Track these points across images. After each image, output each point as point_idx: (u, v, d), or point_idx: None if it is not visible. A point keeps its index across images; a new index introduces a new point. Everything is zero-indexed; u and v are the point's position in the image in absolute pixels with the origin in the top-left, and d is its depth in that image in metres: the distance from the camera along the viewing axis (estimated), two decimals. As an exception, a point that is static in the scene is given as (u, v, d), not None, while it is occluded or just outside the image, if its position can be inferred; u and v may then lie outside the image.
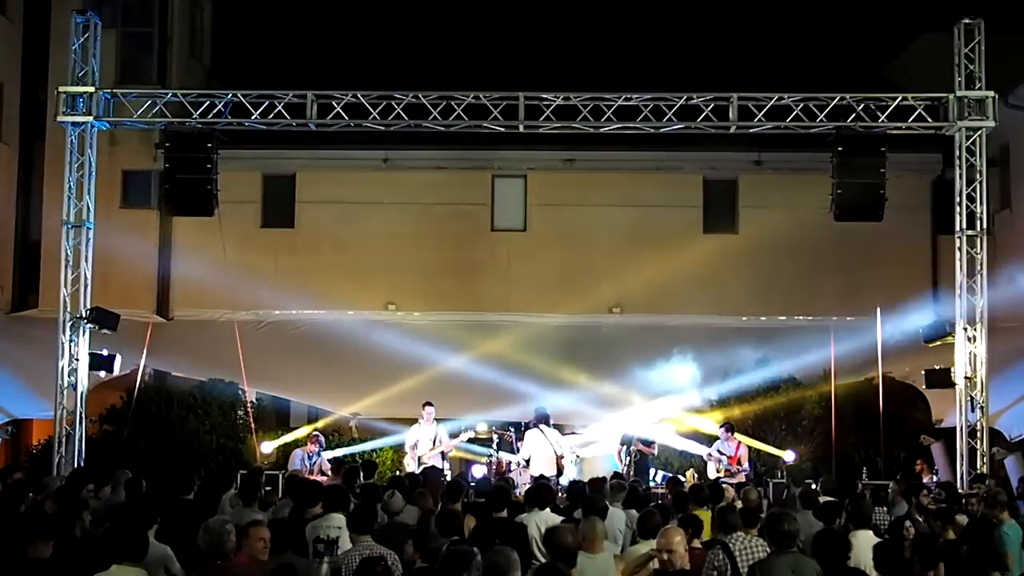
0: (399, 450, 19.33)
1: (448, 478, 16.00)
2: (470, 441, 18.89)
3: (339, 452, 19.38)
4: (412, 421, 18.38)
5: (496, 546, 6.52)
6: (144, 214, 23.20)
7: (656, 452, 18.60)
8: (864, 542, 8.75)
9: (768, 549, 8.43)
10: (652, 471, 18.21)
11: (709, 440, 18.69)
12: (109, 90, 17.34)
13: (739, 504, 11.19)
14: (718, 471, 17.69)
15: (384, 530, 9.44)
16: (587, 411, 19.93)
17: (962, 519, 10.61)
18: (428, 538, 8.96)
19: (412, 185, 23.50)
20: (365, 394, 20.28)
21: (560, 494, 13.96)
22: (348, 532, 9.07)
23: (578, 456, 18.70)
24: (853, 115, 16.76)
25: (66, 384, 16.73)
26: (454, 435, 18.26)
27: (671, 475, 17.19)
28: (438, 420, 18.19)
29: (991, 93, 16.62)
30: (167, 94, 17.52)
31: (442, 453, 17.85)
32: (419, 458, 17.57)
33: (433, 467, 17.18)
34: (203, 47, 25.70)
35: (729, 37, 26.41)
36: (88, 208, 17.07)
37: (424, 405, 18.07)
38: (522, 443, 17.83)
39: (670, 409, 19.49)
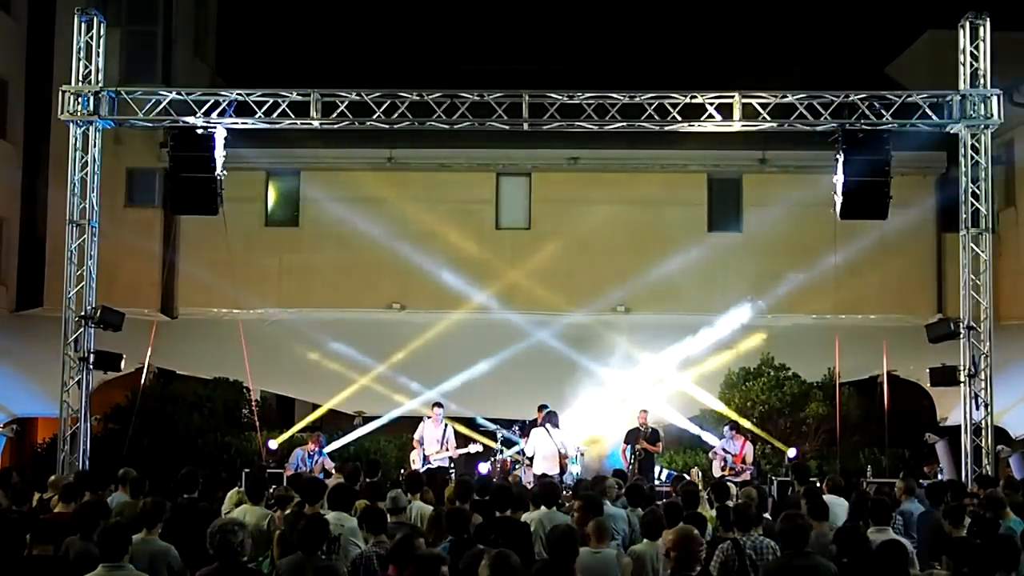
0: (403, 448, 19.35)
1: (452, 477, 16.01)
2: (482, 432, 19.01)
3: (339, 443, 19.36)
4: (416, 419, 18.40)
5: (500, 547, 6.50)
6: (148, 213, 23.25)
7: (661, 450, 18.60)
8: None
9: (777, 550, 8.41)
10: (657, 469, 18.21)
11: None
12: (113, 89, 17.32)
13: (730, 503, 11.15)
14: (723, 469, 17.69)
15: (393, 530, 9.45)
16: (592, 409, 19.92)
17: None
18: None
19: (416, 183, 23.53)
20: (369, 393, 20.29)
21: (565, 492, 13.96)
22: (361, 532, 9.11)
23: (582, 453, 18.69)
24: (857, 113, 16.72)
25: (71, 382, 16.75)
26: (464, 444, 18.32)
27: (675, 473, 17.19)
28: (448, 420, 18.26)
29: (996, 91, 16.56)
30: (171, 93, 17.52)
31: (449, 457, 17.87)
32: (426, 457, 17.59)
33: (440, 468, 17.21)
34: (207, 46, 25.73)
35: (733, 36, 26.40)
36: (92, 207, 17.05)
37: (433, 406, 18.09)
38: (527, 440, 17.86)
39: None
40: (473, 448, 18.27)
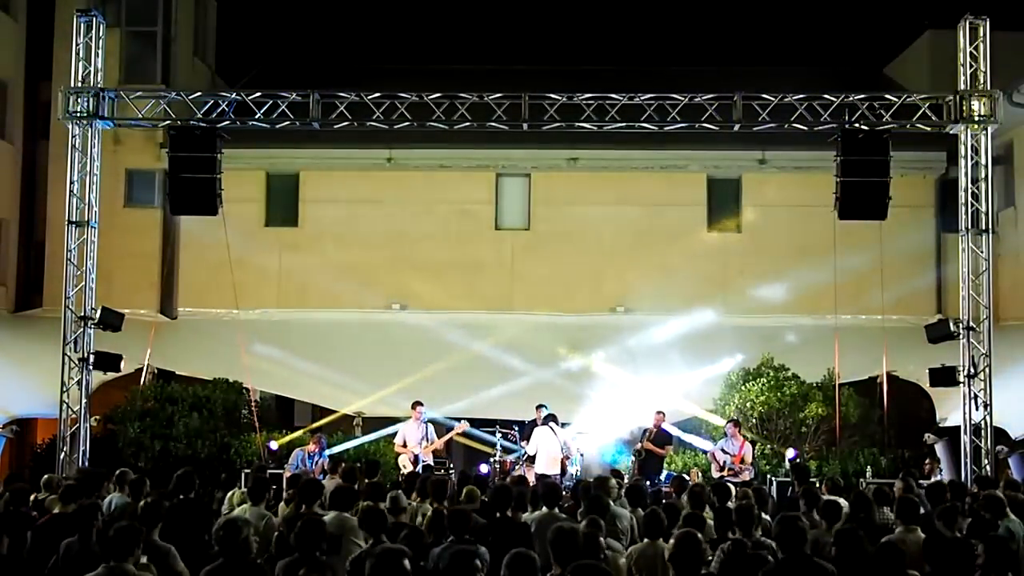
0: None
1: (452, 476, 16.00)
2: (477, 427, 18.99)
3: (339, 448, 19.33)
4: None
5: (516, 548, 6.48)
6: (148, 213, 23.23)
7: (666, 453, 18.54)
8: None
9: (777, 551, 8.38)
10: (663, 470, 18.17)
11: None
12: (113, 89, 17.33)
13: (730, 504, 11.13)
14: (721, 470, 17.64)
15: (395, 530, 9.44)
16: (590, 409, 19.92)
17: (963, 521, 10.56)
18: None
19: (416, 184, 23.51)
20: (368, 393, 20.28)
21: (564, 493, 13.94)
22: (361, 532, 9.10)
23: (581, 454, 18.67)
24: (857, 114, 16.70)
25: (71, 383, 16.74)
26: (446, 431, 18.31)
27: (674, 474, 17.16)
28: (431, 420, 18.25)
29: (996, 91, 16.55)
30: (171, 93, 17.49)
31: (435, 451, 17.88)
32: (417, 456, 17.56)
33: (428, 466, 17.20)
34: (207, 46, 25.72)
35: (733, 37, 26.43)
36: (92, 207, 17.07)
37: (414, 405, 18.03)
38: (528, 441, 17.83)
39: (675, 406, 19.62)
40: (458, 427, 18.23)
